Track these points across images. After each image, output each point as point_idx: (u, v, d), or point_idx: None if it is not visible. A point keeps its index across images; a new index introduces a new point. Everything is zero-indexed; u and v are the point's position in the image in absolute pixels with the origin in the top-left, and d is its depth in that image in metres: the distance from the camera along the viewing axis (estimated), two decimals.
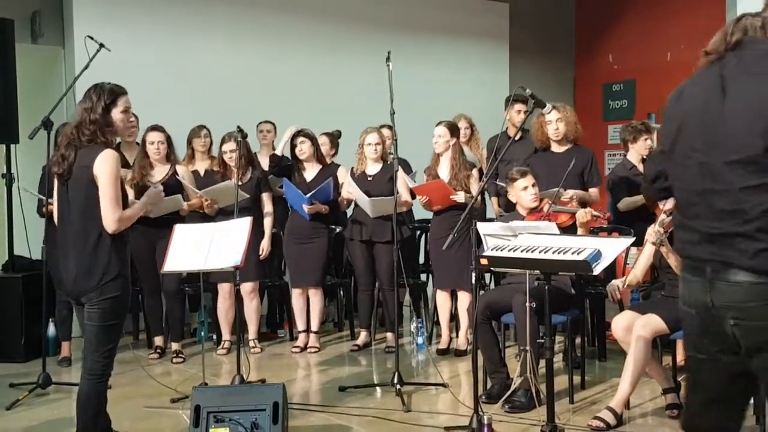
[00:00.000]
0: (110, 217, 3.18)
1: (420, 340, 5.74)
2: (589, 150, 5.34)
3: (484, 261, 3.68)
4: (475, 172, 5.56)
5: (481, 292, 4.80)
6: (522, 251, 3.58)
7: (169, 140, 5.51)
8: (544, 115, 4.89)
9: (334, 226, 5.94)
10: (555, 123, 5.10)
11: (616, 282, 4.39)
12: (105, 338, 3.24)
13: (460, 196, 5.33)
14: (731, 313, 1.93)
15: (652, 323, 3.88)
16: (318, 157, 5.77)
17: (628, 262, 5.34)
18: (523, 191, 4.62)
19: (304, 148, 5.69)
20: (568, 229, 4.45)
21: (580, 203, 4.77)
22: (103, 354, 3.24)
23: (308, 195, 5.46)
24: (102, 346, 3.23)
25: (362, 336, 5.84)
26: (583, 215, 4.44)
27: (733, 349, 1.97)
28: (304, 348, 5.72)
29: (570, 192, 4.85)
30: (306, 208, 5.51)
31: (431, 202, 5.46)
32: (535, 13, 8.88)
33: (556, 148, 5.25)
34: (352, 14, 7.72)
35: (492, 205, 6.20)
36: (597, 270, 3.30)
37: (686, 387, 2.22)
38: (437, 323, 5.85)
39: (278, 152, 5.97)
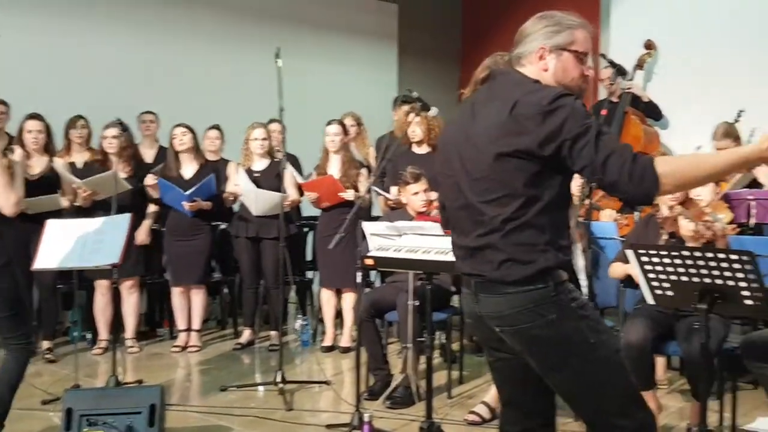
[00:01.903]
0: (7, 202, 3.26)
1: (305, 337, 5.74)
2: None
3: (369, 261, 3.73)
4: (364, 170, 5.62)
5: (367, 290, 4.87)
6: (406, 252, 3.65)
7: (48, 130, 5.24)
8: (409, 114, 5.11)
9: (218, 223, 5.85)
10: (413, 125, 5.29)
11: None
12: (11, 326, 3.31)
13: (349, 194, 5.38)
14: (494, 322, 2.11)
15: None
16: (198, 151, 5.64)
17: None
18: (414, 196, 4.69)
19: (185, 140, 5.53)
20: None
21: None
22: (18, 337, 3.33)
23: (188, 192, 5.34)
24: (13, 332, 3.31)
25: (246, 334, 5.78)
26: None
27: (511, 351, 2.15)
28: (185, 347, 5.60)
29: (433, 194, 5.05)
30: (187, 205, 5.38)
31: (320, 200, 5.47)
32: (424, 15, 9.03)
33: (416, 149, 5.43)
34: (240, 6, 7.60)
35: (379, 204, 6.27)
36: None
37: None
38: (322, 321, 5.87)
39: None
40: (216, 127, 6.15)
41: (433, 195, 4.90)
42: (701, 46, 6.47)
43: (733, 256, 2.99)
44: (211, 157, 5.97)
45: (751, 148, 1.99)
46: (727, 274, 3.00)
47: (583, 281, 4.11)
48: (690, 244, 3.61)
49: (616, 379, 2.10)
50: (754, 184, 5.10)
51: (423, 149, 5.45)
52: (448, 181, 2.20)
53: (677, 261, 3.05)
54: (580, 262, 4.15)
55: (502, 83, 2.13)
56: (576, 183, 4.95)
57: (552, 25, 2.16)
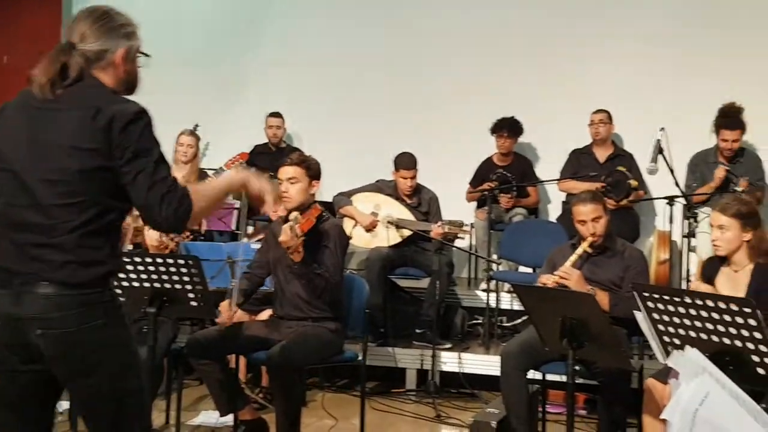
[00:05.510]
0: None
1: None
2: None
3: None
4: None
5: None
6: None
7: None
8: None
9: None
10: None
11: None
12: None
13: None
14: (36, 324, 2.02)
15: None
16: None
17: None
18: None
19: None
20: None
21: None
22: None
23: None
24: None
25: None
26: None
27: (35, 359, 2.06)
28: None
29: None
30: None
31: None
32: None
33: None
34: None
35: None
36: None
37: None
38: None
39: None
40: None
41: None
42: None
43: (181, 261, 3.21)
44: None
45: (231, 176, 2.30)
46: (175, 278, 3.21)
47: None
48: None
49: (139, 393, 2.17)
50: None
51: None
52: (8, 177, 2.07)
53: (130, 267, 3.15)
54: None
55: (84, 88, 2.07)
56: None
57: (126, 24, 2.15)
